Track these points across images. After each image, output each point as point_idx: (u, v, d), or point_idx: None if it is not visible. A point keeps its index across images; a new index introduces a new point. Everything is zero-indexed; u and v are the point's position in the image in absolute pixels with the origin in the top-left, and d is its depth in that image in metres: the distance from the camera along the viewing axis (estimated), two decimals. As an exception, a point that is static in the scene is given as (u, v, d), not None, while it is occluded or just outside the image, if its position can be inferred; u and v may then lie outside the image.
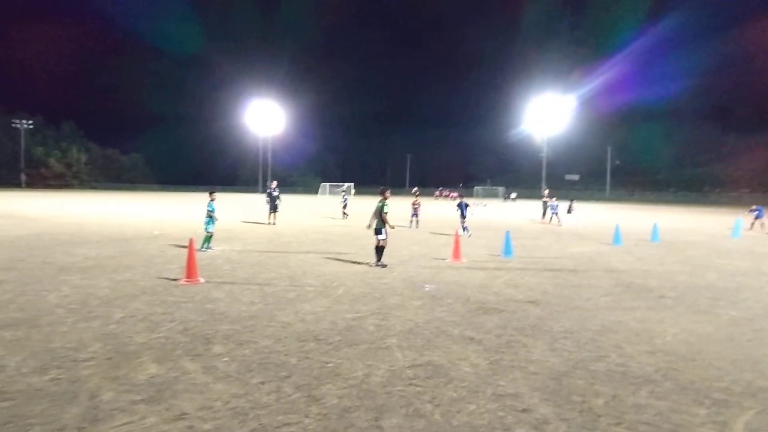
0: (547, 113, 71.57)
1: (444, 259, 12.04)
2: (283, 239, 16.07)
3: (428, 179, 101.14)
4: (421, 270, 10.53)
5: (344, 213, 26.93)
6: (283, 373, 4.63)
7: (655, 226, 18.76)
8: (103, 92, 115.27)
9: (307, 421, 3.73)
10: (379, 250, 10.74)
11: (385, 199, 10.80)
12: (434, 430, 3.62)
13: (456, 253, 12.11)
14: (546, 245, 15.79)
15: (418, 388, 4.35)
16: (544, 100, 71.74)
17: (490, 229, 21.52)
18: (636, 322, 6.74)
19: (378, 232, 10.67)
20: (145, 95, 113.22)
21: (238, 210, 32.95)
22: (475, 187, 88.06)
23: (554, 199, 26.59)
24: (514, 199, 67.04)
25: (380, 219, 10.65)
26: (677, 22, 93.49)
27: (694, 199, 71.56)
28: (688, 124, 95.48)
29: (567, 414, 3.91)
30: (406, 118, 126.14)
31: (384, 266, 10.56)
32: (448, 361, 5.03)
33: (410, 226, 20.85)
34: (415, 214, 21.57)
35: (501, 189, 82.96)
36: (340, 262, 11.25)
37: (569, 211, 27.21)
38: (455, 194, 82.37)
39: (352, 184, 74.99)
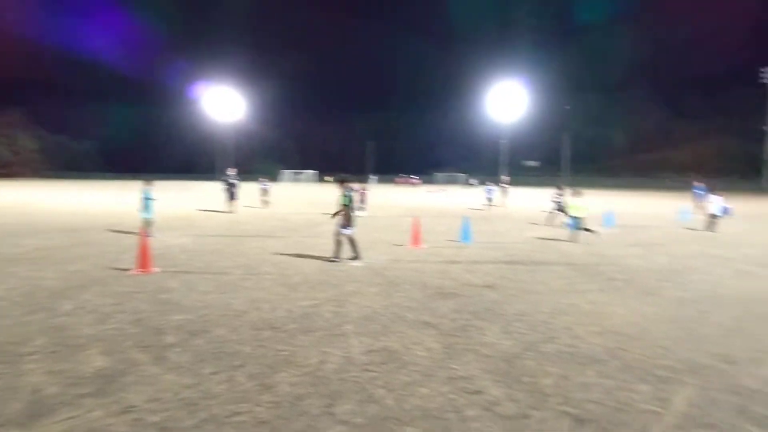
0: (507, 100, 72.60)
1: (402, 245, 12.09)
2: (241, 227, 15.77)
3: (391, 166, 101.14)
4: (380, 256, 10.53)
5: (264, 201, 25.20)
6: (237, 363, 4.54)
7: (607, 212, 19.39)
8: (52, 76, 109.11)
9: (258, 409, 3.67)
10: (349, 244, 9.79)
11: (346, 190, 9.78)
12: (386, 415, 3.63)
13: (415, 239, 12.18)
14: (504, 230, 16.09)
15: (373, 374, 4.35)
16: (503, 86, 72.67)
17: (449, 215, 21.75)
18: (587, 304, 6.95)
19: (345, 226, 9.64)
20: (97, 80, 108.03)
21: (196, 198, 32.10)
22: (437, 174, 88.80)
23: (491, 184, 27.47)
24: (475, 185, 68.01)
25: (347, 213, 9.64)
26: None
27: (647, 184, 74.39)
28: (641, 112, 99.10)
29: (517, 395, 3.99)
30: (369, 104, 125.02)
31: (353, 260, 9.74)
32: (402, 346, 5.06)
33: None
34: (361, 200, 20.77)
35: (463, 176, 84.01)
36: (299, 250, 11.12)
37: (501, 193, 28.06)
38: (416, 180, 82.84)
39: (315, 172, 74.33)
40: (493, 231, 15.83)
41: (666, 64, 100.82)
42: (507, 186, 30.18)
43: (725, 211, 17.39)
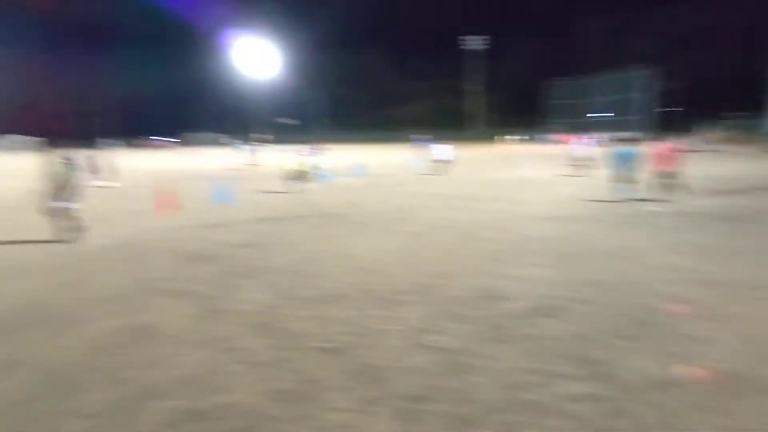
0: (259, 57, 70.90)
1: (154, 213, 11.03)
2: None
3: (139, 128, 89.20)
4: (126, 226, 9.41)
5: None
6: None
7: (357, 164, 21.19)
8: None
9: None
10: (68, 220, 8.29)
11: (64, 159, 8.29)
12: (139, 393, 3.37)
13: (168, 205, 11.23)
14: (260, 188, 16.13)
15: (122, 357, 3.95)
16: (254, 42, 70.53)
17: (204, 177, 20.65)
18: (336, 248, 7.60)
19: (62, 200, 8.14)
20: None
21: None
22: (191, 134, 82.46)
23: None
24: (231, 145, 65.59)
25: (65, 186, 8.13)
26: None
27: (388, 137, 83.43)
28: (378, 73, 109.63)
29: (274, 342, 4.18)
30: (105, 55, 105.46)
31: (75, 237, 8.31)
32: (158, 319, 4.71)
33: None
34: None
35: (218, 136, 79.85)
36: (11, 235, 9.09)
37: (255, 151, 28.51)
38: (167, 142, 75.31)
39: (39, 139, 59.82)
40: (249, 190, 15.69)
41: (398, 30, 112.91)
42: (262, 144, 30.02)
43: (449, 157, 20.79)
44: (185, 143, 76.63)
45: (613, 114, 65.72)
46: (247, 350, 4.04)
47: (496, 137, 50.49)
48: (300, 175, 14.72)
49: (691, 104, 61.44)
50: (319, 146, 17.91)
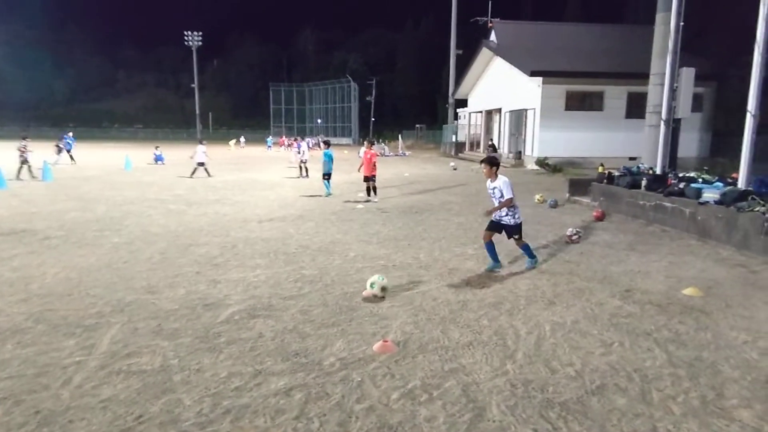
0: None
1: None
2: None
3: None
4: None
5: None
6: None
7: (45, 164, 17.47)
8: None
9: None
10: None
11: None
12: None
13: None
14: None
15: None
16: None
17: None
18: (12, 271, 6.07)
19: None
20: None
21: None
22: None
23: None
24: None
25: None
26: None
27: (93, 134, 71.76)
28: (79, 60, 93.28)
29: None
30: None
31: None
32: None
33: None
34: None
35: None
36: None
37: None
38: None
39: None
40: None
41: (101, 15, 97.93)
42: None
43: (204, 158, 18.76)
44: None
45: (322, 121, 72.38)
46: None
47: (230, 141, 49.22)
48: None
49: (385, 115, 72.42)
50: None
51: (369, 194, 12.68)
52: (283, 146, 45.33)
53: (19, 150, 16.83)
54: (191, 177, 18.05)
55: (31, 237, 8.02)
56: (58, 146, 23.59)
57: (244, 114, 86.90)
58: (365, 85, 69.03)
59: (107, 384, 3.43)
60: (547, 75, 23.07)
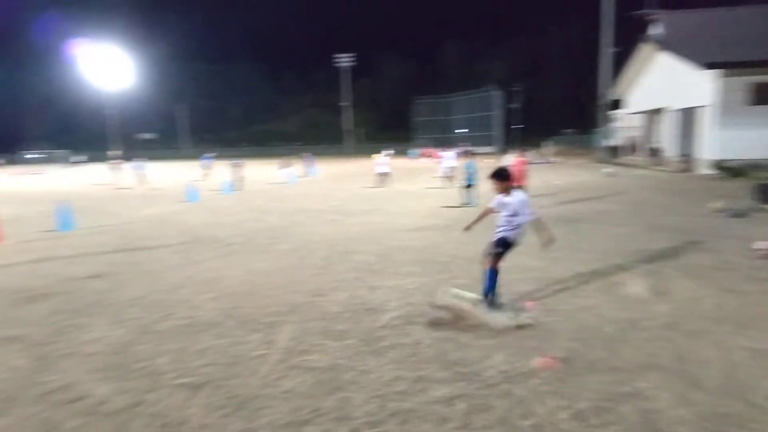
0: (111, 67, 64.63)
1: (-26, 247, 9.32)
2: None
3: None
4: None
5: None
6: None
7: (226, 180, 20.18)
8: None
9: None
10: None
11: None
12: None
13: (-7, 236, 9.56)
14: (116, 211, 14.56)
15: None
16: (104, 51, 64.17)
17: (45, 200, 18.09)
18: (205, 272, 7.08)
19: None
20: None
21: None
22: (21, 153, 72.21)
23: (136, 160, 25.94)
24: (79, 163, 58.69)
25: None
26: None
27: (261, 152, 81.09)
28: (250, 89, 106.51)
29: (128, 385, 3.70)
30: None
31: None
32: (-30, 376, 3.90)
33: None
34: None
35: (63, 152, 70.75)
36: None
37: (112, 170, 26.60)
38: None
39: None
40: (102, 212, 14.06)
41: (268, 44, 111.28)
42: (118, 162, 27.33)
43: (388, 169, 20.44)
44: (18, 162, 66.63)
45: (468, 130, 71.85)
46: (92, 398, 3.51)
47: (374, 154, 52.16)
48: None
49: (530, 122, 69.41)
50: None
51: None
52: (428, 157, 46.25)
53: (232, 166, 21.63)
54: (379, 187, 19.38)
55: (218, 243, 9.29)
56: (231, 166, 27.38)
57: (391, 127, 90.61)
58: (509, 93, 67.35)
59: (287, 377, 3.78)
60: (727, 66, 20.01)
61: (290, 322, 4.96)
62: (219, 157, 36.21)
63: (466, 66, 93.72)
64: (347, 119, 67.96)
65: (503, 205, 5.10)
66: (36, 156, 71.16)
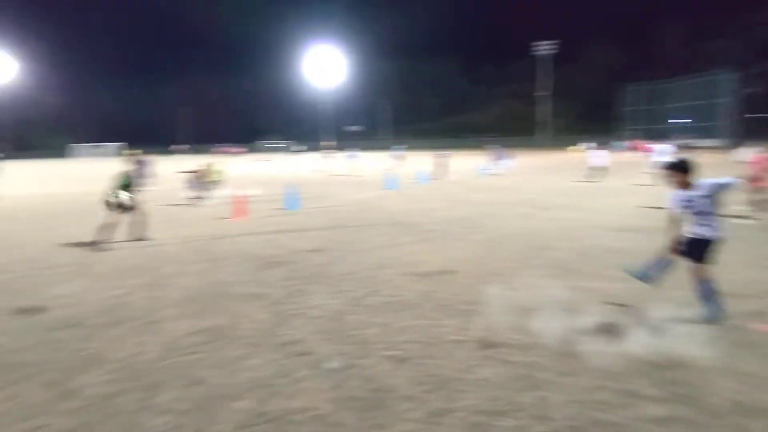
0: (326, 64, 73.04)
1: (226, 218, 11.57)
2: (19, 215, 13.29)
3: (210, 135, 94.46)
4: (202, 231, 9.94)
5: None
6: (24, 374, 3.88)
7: (421, 171, 21.14)
8: None
9: (60, 421, 3.21)
10: (136, 226, 9.06)
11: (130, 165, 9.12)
12: (214, 393, 3.50)
13: (239, 210, 11.75)
14: (330, 194, 16.47)
15: (197, 355, 4.14)
16: (322, 50, 72.76)
17: (275, 183, 21.42)
18: (406, 255, 7.57)
19: (120, 204, 8.63)
20: None
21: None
22: (259, 143, 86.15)
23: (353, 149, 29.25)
24: (299, 152, 67.75)
25: (125, 189, 8.73)
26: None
27: (454, 143, 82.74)
28: (448, 81, 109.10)
29: (344, 348, 4.21)
30: (183, 68, 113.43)
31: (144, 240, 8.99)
32: (230, 322, 4.90)
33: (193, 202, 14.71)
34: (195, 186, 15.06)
35: (287, 143, 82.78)
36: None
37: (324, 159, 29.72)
38: (237, 150, 78.89)
39: (122, 144, 65.49)
40: (320, 196, 16.07)
41: (463, 36, 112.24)
42: (331, 152, 30.86)
43: (605, 163, 19.93)
44: (254, 150, 79.81)
45: (691, 120, 61.50)
46: (316, 355, 4.09)
47: (570, 147, 48.83)
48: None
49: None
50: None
51: (761, 208, 10.13)
52: (636, 150, 41.41)
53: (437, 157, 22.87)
54: (591, 181, 18.61)
55: (417, 228, 9.84)
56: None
57: (589, 118, 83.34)
58: (746, 76, 55.70)
59: (482, 366, 3.84)
60: None
61: (484, 312, 5.01)
62: (410, 148, 38.17)
63: (688, 47, 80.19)
64: (544, 110, 64.66)
65: (687, 202, 4.45)
66: (271, 145, 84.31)
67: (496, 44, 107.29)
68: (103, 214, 8.67)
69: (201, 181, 14.52)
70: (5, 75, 66.75)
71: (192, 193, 14.73)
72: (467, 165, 31.83)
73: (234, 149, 78.38)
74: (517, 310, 5.01)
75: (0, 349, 4.34)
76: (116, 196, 8.60)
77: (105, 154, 70.66)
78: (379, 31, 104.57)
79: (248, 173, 30.53)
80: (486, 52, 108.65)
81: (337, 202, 14.41)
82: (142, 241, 8.91)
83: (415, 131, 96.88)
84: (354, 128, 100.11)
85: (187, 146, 77.44)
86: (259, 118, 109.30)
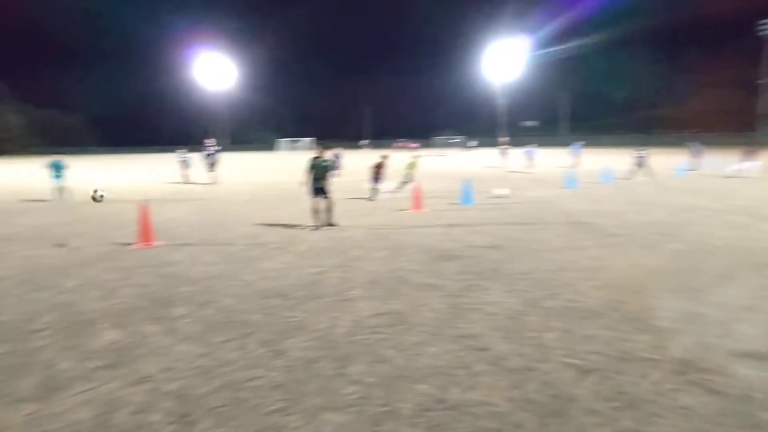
0: (503, 59, 71.34)
1: (405, 210, 12.15)
2: (240, 197, 15.78)
3: (388, 131, 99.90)
4: (383, 221, 10.61)
5: (184, 175, 23.46)
6: (247, 331, 4.66)
7: (606, 169, 19.38)
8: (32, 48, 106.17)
9: (272, 374, 3.79)
10: (326, 210, 10.05)
11: (320, 156, 9.97)
12: (398, 374, 3.76)
13: (417, 203, 12.24)
14: (507, 191, 16.12)
15: (381, 336, 4.48)
16: (499, 45, 71.25)
17: (450, 178, 21.74)
18: (588, 260, 7.06)
19: (319, 192, 9.82)
20: (85, 48, 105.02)
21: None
22: (435, 137, 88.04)
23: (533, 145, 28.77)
24: (473, 148, 67.54)
25: (322, 178, 9.80)
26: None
27: (644, 140, 73.74)
28: (640, 69, 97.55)
29: (523, 349, 4.12)
30: (366, 68, 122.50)
31: (333, 226, 9.96)
32: (409, 308, 5.17)
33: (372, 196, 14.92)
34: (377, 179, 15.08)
35: (461, 138, 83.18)
36: (303, 219, 11.14)
37: (501, 155, 28.73)
38: (414, 145, 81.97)
39: (313, 139, 73.54)
40: (493, 192, 15.87)
41: (663, 17, 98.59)
42: (507, 147, 30.16)
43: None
44: (429, 146, 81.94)
45: None
46: (494, 352, 4.09)
47: None
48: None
49: None
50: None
51: None
52: None
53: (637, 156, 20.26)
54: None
55: (598, 231, 9.09)
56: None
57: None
58: None
59: (684, 392, 3.41)
60: None
61: (684, 332, 4.42)
62: (588, 145, 35.20)
63: None
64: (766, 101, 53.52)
65: None
66: (445, 140, 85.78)
67: (702, 27, 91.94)
68: (307, 200, 10.02)
69: (382, 173, 15.45)
70: (228, 81, 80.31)
71: (375, 185, 15.79)
72: (661, 164, 28.19)
73: (412, 144, 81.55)
74: (728, 334, 4.32)
75: (231, 309, 5.28)
76: (318, 183, 9.82)
77: (301, 148, 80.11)
78: (560, 17, 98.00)
79: (424, 168, 31.55)
80: (690, 34, 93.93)
81: (515, 199, 14.05)
82: (331, 227, 9.89)
83: (595, 127, 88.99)
84: (529, 123, 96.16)
85: (368, 141, 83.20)
86: (436, 113, 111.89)
